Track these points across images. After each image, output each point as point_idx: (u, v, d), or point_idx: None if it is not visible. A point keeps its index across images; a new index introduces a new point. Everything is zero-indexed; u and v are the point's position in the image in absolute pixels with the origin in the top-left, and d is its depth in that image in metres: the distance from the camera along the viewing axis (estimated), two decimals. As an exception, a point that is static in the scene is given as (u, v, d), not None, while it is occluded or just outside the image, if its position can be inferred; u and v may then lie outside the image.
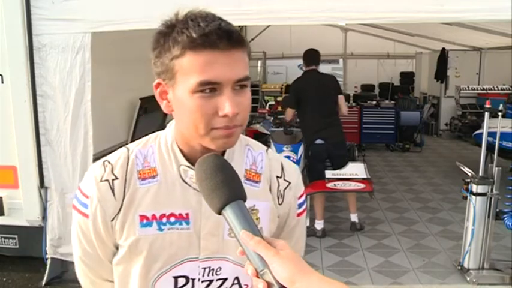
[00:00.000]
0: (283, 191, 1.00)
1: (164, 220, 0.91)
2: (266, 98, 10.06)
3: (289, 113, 4.61)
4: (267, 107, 8.25)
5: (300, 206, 1.04)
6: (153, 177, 0.92)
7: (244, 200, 0.74)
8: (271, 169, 1.00)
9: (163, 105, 0.90)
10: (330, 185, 4.30)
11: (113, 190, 0.91)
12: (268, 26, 7.96)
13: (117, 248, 0.95)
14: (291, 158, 4.46)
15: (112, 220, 0.91)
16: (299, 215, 1.04)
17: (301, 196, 1.04)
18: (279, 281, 0.66)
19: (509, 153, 5.48)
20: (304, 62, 4.61)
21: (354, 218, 4.57)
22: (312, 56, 4.57)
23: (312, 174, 4.52)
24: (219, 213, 0.73)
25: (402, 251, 4.12)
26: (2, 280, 3.59)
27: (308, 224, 4.59)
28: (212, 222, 0.93)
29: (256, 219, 0.96)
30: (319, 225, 4.48)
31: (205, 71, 0.80)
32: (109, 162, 0.93)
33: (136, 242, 0.91)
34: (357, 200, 5.42)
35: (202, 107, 0.82)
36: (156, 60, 0.86)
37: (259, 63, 12.73)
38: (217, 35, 0.79)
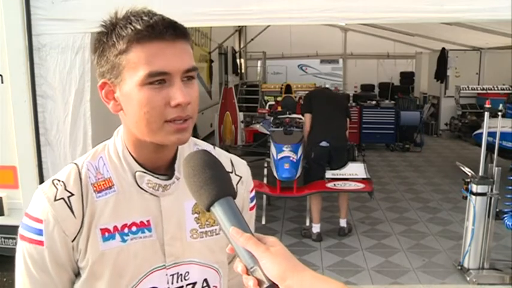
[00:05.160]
0: (236, 185, 0.99)
1: (126, 230, 0.88)
2: (266, 98, 10.06)
3: (307, 118, 4.59)
4: (267, 107, 8.24)
5: (251, 200, 1.05)
6: (109, 187, 0.89)
7: (234, 197, 0.73)
8: None
9: (110, 106, 0.88)
10: (329, 185, 4.30)
11: (71, 208, 0.85)
12: (268, 26, 7.95)
13: (76, 275, 0.90)
14: (291, 158, 4.46)
15: (73, 240, 0.86)
16: (251, 209, 1.06)
17: (252, 190, 1.05)
18: (269, 277, 0.65)
19: (509, 153, 5.49)
20: None
21: (343, 223, 4.53)
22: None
23: (310, 176, 4.53)
24: (208, 209, 0.71)
25: (402, 251, 4.12)
26: (2, 280, 3.59)
27: (308, 224, 4.60)
28: (173, 226, 0.91)
29: None
30: (315, 228, 4.42)
31: (153, 62, 0.79)
32: (59, 180, 0.88)
33: (101, 258, 0.87)
34: (357, 200, 5.44)
35: (152, 99, 0.80)
36: (100, 59, 0.84)
37: (259, 63, 12.75)
38: (163, 26, 0.79)
